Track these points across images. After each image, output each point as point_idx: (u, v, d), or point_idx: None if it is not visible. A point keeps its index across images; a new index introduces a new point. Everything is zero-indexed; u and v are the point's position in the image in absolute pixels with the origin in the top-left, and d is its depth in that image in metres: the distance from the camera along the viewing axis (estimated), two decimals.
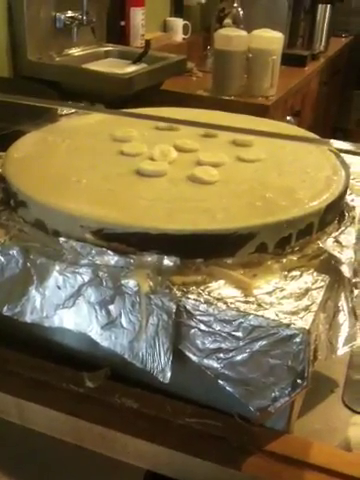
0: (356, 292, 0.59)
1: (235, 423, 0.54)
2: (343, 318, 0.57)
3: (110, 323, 0.53)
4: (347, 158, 0.80)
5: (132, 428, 0.54)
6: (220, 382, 0.51)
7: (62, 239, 0.55)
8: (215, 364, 0.51)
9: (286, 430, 0.55)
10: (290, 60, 2.14)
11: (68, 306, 0.55)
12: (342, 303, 0.57)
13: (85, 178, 0.62)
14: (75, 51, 1.75)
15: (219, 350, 0.50)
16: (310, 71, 2.33)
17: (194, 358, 0.51)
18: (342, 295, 0.57)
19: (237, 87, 1.90)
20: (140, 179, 0.63)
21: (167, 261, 0.52)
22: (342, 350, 0.57)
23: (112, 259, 0.53)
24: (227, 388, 0.51)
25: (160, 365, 0.52)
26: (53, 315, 0.55)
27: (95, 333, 0.54)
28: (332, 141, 0.50)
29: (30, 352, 0.61)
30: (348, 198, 0.69)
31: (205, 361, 0.51)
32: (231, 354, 0.50)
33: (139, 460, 0.55)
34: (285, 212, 0.57)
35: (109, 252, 0.53)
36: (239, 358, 0.50)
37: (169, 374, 0.51)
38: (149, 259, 0.53)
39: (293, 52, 2.27)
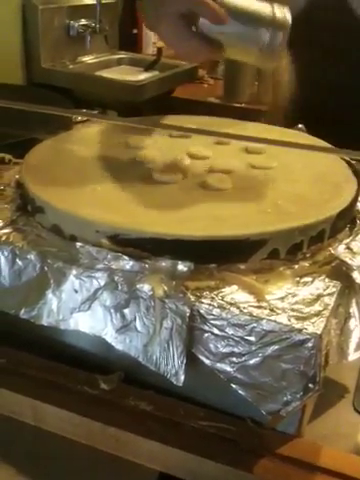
0: None
1: (247, 427, 0.55)
2: (354, 324, 0.58)
3: (125, 326, 0.55)
4: (358, 164, 0.81)
5: (145, 430, 0.54)
6: (233, 386, 0.52)
7: (78, 244, 0.56)
8: (228, 368, 0.52)
9: (297, 434, 0.55)
10: None
11: (84, 310, 0.56)
12: (353, 309, 0.58)
13: (100, 185, 0.63)
14: (88, 58, 1.77)
15: (232, 354, 0.51)
16: None
17: (207, 362, 0.52)
18: (353, 301, 0.58)
19: (248, 94, 1.91)
20: (153, 186, 0.64)
21: (181, 266, 0.53)
22: (353, 356, 0.58)
23: (127, 264, 0.54)
24: (239, 392, 0.52)
25: (174, 368, 0.53)
26: (69, 318, 0.57)
27: (110, 336, 0.55)
28: (344, 150, 0.51)
29: (44, 354, 0.62)
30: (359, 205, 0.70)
31: (218, 365, 0.52)
32: (244, 358, 0.51)
33: (152, 462, 0.56)
34: (297, 219, 0.58)
35: (124, 257, 0.54)
36: (251, 362, 0.51)
37: (183, 377, 0.52)
38: (163, 264, 0.54)
39: None
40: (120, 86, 1.59)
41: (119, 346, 0.55)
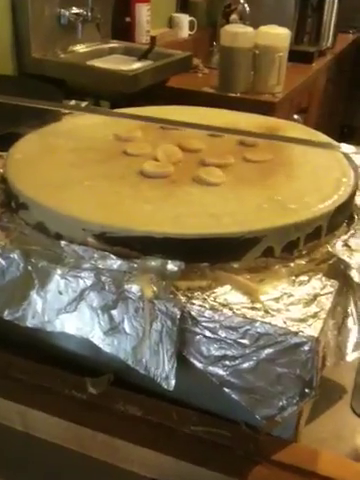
0: None
1: (241, 431, 0.52)
2: (352, 323, 0.56)
3: (113, 328, 0.52)
4: (356, 158, 0.78)
5: (136, 436, 0.52)
6: (225, 390, 0.50)
7: (64, 243, 0.54)
8: (221, 371, 0.49)
9: (293, 439, 0.53)
10: (297, 57, 2.12)
11: (70, 311, 0.53)
12: (351, 308, 0.56)
13: (88, 179, 0.61)
14: (80, 48, 1.73)
15: (225, 357, 0.49)
16: (317, 68, 2.30)
17: (199, 365, 0.50)
18: (351, 300, 0.56)
19: (243, 84, 1.88)
20: (144, 180, 0.61)
21: (171, 266, 0.51)
22: (351, 356, 0.56)
23: (115, 263, 0.52)
24: (233, 396, 0.49)
25: (164, 372, 0.50)
26: (55, 320, 0.54)
27: (97, 338, 0.53)
28: (341, 145, 0.48)
29: (33, 356, 0.60)
30: (357, 199, 0.67)
31: (210, 368, 0.50)
32: (237, 362, 0.48)
33: (143, 468, 0.54)
34: (293, 215, 0.55)
35: (112, 256, 0.52)
36: (245, 366, 0.48)
37: (173, 382, 0.50)
38: (153, 263, 0.51)
39: (300, 49, 2.24)
40: (112, 76, 1.55)
41: (107, 348, 0.53)
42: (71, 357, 0.59)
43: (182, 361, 0.51)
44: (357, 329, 0.56)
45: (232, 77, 1.88)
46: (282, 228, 0.54)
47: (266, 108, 1.83)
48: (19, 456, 0.59)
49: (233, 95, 1.87)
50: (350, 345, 0.55)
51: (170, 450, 0.51)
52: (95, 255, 0.52)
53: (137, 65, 1.67)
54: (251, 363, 0.48)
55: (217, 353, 0.49)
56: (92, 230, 0.53)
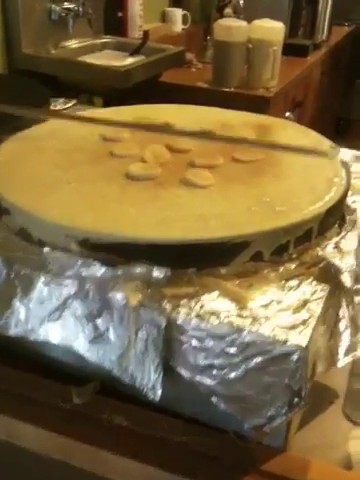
0: (357, 299, 0.57)
1: (230, 441, 0.51)
2: (344, 327, 0.55)
3: (97, 337, 0.51)
4: (347, 156, 0.77)
5: (122, 447, 0.51)
6: (213, 399, 0.48)
7: (46, 249, 0.52)
8: (208, 381, 0.48)
9: (283, 447, 0.52)
10: (291, 50, 2.10)
11: (54, 319, 0.52)
12: (343, 311, 0.55)
13: (72, 183, 0.59)
14: (71, 43, 1.71)
15: (212, 366, 0.48)
16: (312, 61, 2.28)
17: (186, 374, 0.49)
18: (343, 303, 0.54)
19: (237, 79, 1.86)
20: (130, 183, 0.60)
21: (157, 273, 0.49)
22: (343, 361, 0.55)
23: (99, 270, 0.50)
24: (221, 407, 0.48)
25: (150, 382, 0.49)
26: (38, 328, 0.53)
27: (82, 347, 0.52)
28: (329, 147, 0.46)
29: (18, 364, 0.58)
30: (349, 200, 0.66)
31: (197, 378, 0.48)
32: (225, 371, 0.47)
33: None
34: (282, 218, 0.54)
35: (95, 263, 0.50)
36: (233, 375, 0.47)
37: (160, 392, 0.49)
38: (138, 270, 0.50)
39: (295, 42, 2.22)
40: (104, 72, 1.53)
41: (92, 358, 0.52)
42: (57, 365, 0.57)
43: (169, 370, 0.49)
44: (349, 333, 0.55)
45: (226, 72, 1.86)
46: (271, 232, 0.52)
47: (260, 103, 1.82)
48: (3, 465, 0.58)
49: (227, 90, 1.85)
50: (342, 350, 0.54)
51: (156, 462, 0.50)
52: (78, 262, 0.51)
53: (129, 60, 1.65)
54: (239, 372, 0.47)
55: (204, 362, 0.48)
56: (75, 236, 0.51)
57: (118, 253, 0.51)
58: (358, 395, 0.62)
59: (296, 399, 0.46)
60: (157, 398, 0.49)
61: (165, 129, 0.49)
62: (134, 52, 1.71)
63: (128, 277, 0.50)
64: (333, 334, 0.54)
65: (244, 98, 1.82)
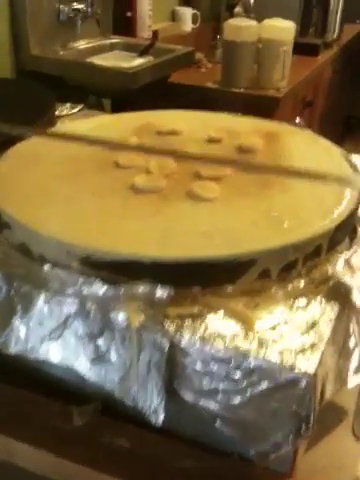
0: None
1: (234, 465, 0.49)
2: (353, 345, 0.53)
3: (99, 357, 0.49)
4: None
5: (123, 471, 0.49)
6: (217, 424, 0.47)
7: (47, 267, 0.51)
8: (212, 405, 0.46)
9: (290, 473, 0.50)
10: (302, 49, 2.07)
11: (54, 338, 0.50)
12: (353, 329, 0.53)
13: (75, 195, 0.58)
14: (80, 44, 1.69)
15: (216, 391, 0.46)
16: (323, 60, 2.25)
17: (189, 398, 0.47)
18: (353, 321, 0.52)
19: (247, 79, 1.84)
20: (134, 196, 0.58)
21: (160, 292, 0.48)
22: (353, 381, 0.53)
23: (100, 289, 0.49)
24: (225, 431, 0.46)
25: (152, 406, 0.48)
26: (39, 347, 0.51)
27: (83, 367, 0.50)
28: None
29: (18, 382, 0.57)
30: None
31: (201, 402, 0.47)
32: (229, 396, 0.45)
33: None
34: (290, 234, 0.52)
35: (97, 281, 0.49)
36: (238, 400, 0.45)
37: (162, 416, 0.47)
38: (140, 289, 0.48)
39: (305, 41, 2.19)
40: (112, 74, 1.51)
41: (93, 378, 0.50)
42: (58, 383, 0.56)
43: (172, 392, 0.48)
44: (359, 351, 0.53)
45: (235, 72, 1.84)
46: (279, 249, 0.50)
47: (270, 103, 1.79)
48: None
49: (237, 90, 1.83)
50: (352, 369, 0.53)
51: None
52: (79, 280, 0.49)
53: (138, 62, 1.63)
54: (244, 398, 0.45)
55: (208, 386, 0.46)
56: (76, 253, 0.50)
57: (120, 271, 0.49)
58: None
59: (304, 427, 0.44)
60: (159, 422, 0.47)
61: (168, 152, 0.47)
62: (143, 53, 1.69)
63: (130, 296, 0.48)
64: (342, 353, 0.52)
65: (254, 99, 1.79)
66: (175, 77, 1.84)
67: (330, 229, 0.54)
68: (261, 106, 1.75)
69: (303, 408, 0.44)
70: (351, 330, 0.52)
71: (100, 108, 1.67)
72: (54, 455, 0.51)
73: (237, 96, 1.81)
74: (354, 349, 0.53)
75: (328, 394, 0.49)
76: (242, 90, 1.82)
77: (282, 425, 0.45)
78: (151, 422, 0.48)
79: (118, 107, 1.73)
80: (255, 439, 0.46)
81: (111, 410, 0.54)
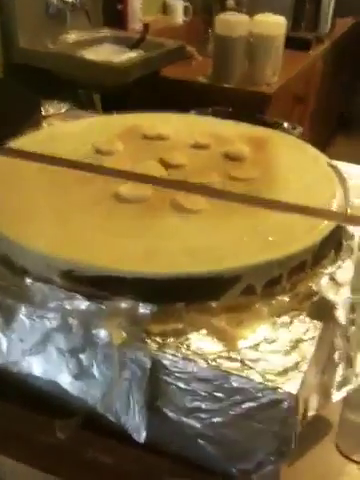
0: (352, 329, 0.55)
1: None
2: (337, 360, 0.53)
3: (82, 373, 0.49)
4: (348, 168, 0.74)
5: None
6: (200, 441, 0.47)
7: (28, 280, 0.50)
8: (195, 423, 0.46)
9: None
10: (294, 44, 2.05)
11: (36, 352, 0.50)
12: (337, 345, 0.53)
13: (58, 206, 0.57)
14: (70, 37, 1.67)
15: (199, 410, 0.46)
16: (314, 55, 2.24)
17: (172, 416, 0.47)
18: (337, 337, 0.52)
19: (238, 74, 1.82)
20: (119, 206, 0.57)
21: (143, 309, 0.47)
22: (337, 396, 0.53)
23: (82, 304, 0.48)
24: (208, 449, 0.46)
25: (134, 423, 0.47)
26: (21, 361, 0.51)
27: (65, 382, 0.50)
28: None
29: (2, 394, 0.56)
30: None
31: (184, 419, 0.47)
32: (212, 415, 0.45)
33: None
34: (275, 250, 0.51)
35: (79, 297, 0.48)
36: (220, 420, 0.45)
37: (144, 434, 0.47)
38: (123, 305, 0.48)
39: (297, 35, 2.18)
40: (102, 68, 1.49)
41: (75, 392, 0.50)
42: (42, 396, 0.55)
43: (156, 409, 0.47)
44: (342, 366, 0.53)
45: (227, 67, 1.83)
46: (264, 265, 0.50)
47: (262, 99, 1.79)
48: None
49: (227, 86, 1.82)
50: (335, 384, 0.53)
51: None
52: (61, 295, 0.49)
53: (128, 56, 1.61)
54: (227, 417, 0.45)
55: (191, 405, 0.46)
56: (58, 267, 0.49)
57: (103, 286, 0.48)
58: (351, 426, 0.60)
59: (285, 447, 0.44)
60: (141, 440, 0.47)
61: (153, 181, 0.46)
62: (133, 46, 1.67)
63: (113, 312, 0.48)
64: (326, 368, 0.52)
65: (245, 95, 1.78)
66: (166, 71, 1.82)
67: (315, 244, 0.53)
68: (252, 102, 1.74)
69: (285, 428, 0.43)
70: (335, 345, 0.52)
71: (90, 103, 1.65)
72: (37, 470, 0.51)
73: (228, 91, 1.80)
74: (338, 364, 0.53)
75: (312, 411, 0.49)
76: (233, 85, 1.81)
77: (264, 445, 0.44)
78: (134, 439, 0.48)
79: (108, 102, 1.72)
80: (237, 458, 0.46)
81: (95, 423, 0.54)
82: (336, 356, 0.53)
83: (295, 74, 2.01)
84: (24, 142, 0.71)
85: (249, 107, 1.75)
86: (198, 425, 0.46)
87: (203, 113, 0.97)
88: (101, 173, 0.44)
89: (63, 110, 0.95)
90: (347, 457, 0.57)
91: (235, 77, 1.82)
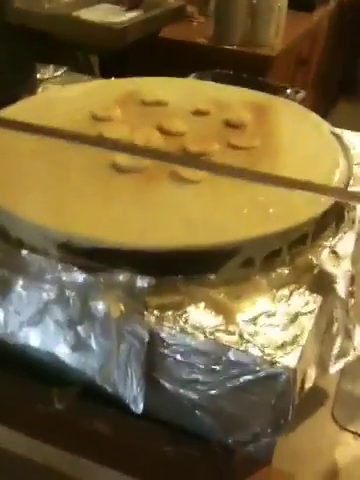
0: (351, 302, 0.54)
1: (214, 452, 0.50)
2: (335, 333, 0.53)
3: (79, 344, 0.49)
4: (351, 136, 0.73)
5: (104, 456, 0.50)
6: (197, 412, 0.47)
7: (24, 252, 0.49)
8: (192, 395, 0.46)
9: (269, 460, 0.50)
10: (298, 4, 2.00)
11: (34, 324, 0.50)
12: (335, 317, 0.52)
13: (55, 175, 0.56)
14: None
15: (196, 381, 0.46)
16: (319, 16, 2.18)
17: (169, 387, 0.47)
18: (336, 309, 0.52)
19: (240, 35, 1.78)
20: (116, 175, 0.56)
21: (141, 282, 0.47)
22: (334, 367, 0.53)
23: (79, 277, 0.48)
24: (204, 420, 0.47)
25: (132, 394, 0.47)
26: (18, 332, 0.51)
27: (63, 353, 0.50)
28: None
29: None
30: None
31: (181, 391, 0.47)
32: (209, 387, 0.45)
33: None
34: (275, 222, 0.50)
35: (76, 269, 0.48)
36: (218, 392, 0.45)
37: (141, 405, 0.47)
38: (121, 278, 0.47)
39: None
40: (100, 29, 1.45)
41: (74, 364, 0.50)
42: (40, 366, 0.55)
43: (153, 381, 0.47)
44: (340, 338, 0.53)
45: (228, 27, 1.78)
46: (263, 238, 0.49)
47: (264, 62, 1.75)
48: None
49: (229, 47, 1.78)
50: (333, 355, 0.53)
51: (138, 473, 0.49)
52: (58, 267, 0.48)
53: (126, 16, 1.56)
54: (224, 389, 0.45)
55: (188, 377, 0.46)
56: (54, 239, 0.48)
57: (100, 259, 0.48)
58: (348, 397, 0.60)
59: (282, 420, 0.44)
60: (139, 411, 0.47)
61: (149, 153, 0.45)
62: (131, 6, 1.62)
63: (110, 285, 0.47)
64: (325, 340, 0.52)
65: (247, 57, 1.75)
66: (166, 32, 1.78)
67: (316, 216, 0.52)
68: (254, 64, 1.70)
69: (282, 402, 0.43)
70: (334, 316, 0.52)
71: (88, 66, 1.61)
72: (35, 439, 0.51)
73: (229, 54, 1.76)
74: (337, 335, 0.53)
75: (309, 383, 0.49)
76: (235, 47, 1.77)
77: (261, 417, 0.45)
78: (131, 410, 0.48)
79: (106, 64, 1.68)
80: (234, 429, 0.46)
81: (93, 392, 0.54)
82: (335, 328, 0.53)
83: (298, 36, 1.97)
84: (19, 108, 0.70)
85: (251, 70, 1.71)
86: (195, 396, 0.46)
87: (204, 76, 0.95)
88: (97, 145, 0.42)
89: (59, 72, 0.92)
90: (343, 427, 0.57)
91: (237, 38, 1.78)
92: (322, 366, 0.52)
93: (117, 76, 0.93)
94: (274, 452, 0.52)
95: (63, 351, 0.50)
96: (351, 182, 0.62)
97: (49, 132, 0.39)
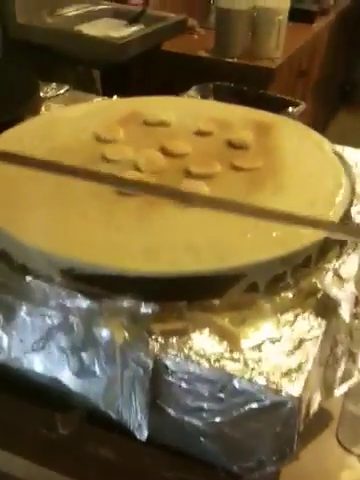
0: (356, 323, 0.54)
1: (220, 479, 0.49)
2: (340, 356, 0.53)
3: (83, 370, 0.49)
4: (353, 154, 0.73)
5: None
6: (201, 439, 0.47)
7: (29, 278, 0.49)
8: (197, 422, 0.46)
9: None
10: (298, 16, 2.01)
11: (37, 349, 0.50)
12: (340, 340, 0.52)
13: (58, 198, 0.56)
14: (68, 11, 1.63)
15: (201, 409, 0.45)
16: (319, 28, 2.20)
17: (174, 414, 0.47)
18: (340, 333, 0.52)
19: (241, 48, 1.79)
20: (120, 199, 0.56)
21: (144, 309, 0.46)
22: (340, 391, 0.53)
23: (83, 303, 0.47)
24: (209, 447, 0.46)
25: (136, 421, 0.47)
26: (22, 357, 0.51)
27: (67, 379, 0.50)
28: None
29: (1, 388, 0.56)
30: (353, 210, 0.62)
31: (186, 418, 0.46)
32: (214, 414, 0.45)
33: None
34: (279, 247, 0.50)
35: (79, 295, 0.47)
36: (222, 419, 0.45)
37: (146, 432, 0.47)
38: (124, 304, 0.47)
39: (301, 7, 2.13)
40: (101, 44, 1.46)
41: (77, 389, 0.50)
42: (43, 390, 0.55)
43: (157, 407, 0.47)
44: (345, 361, 0.53)
45: (229, 41, 1.79)
46: (267, 262, 0.49)
47: (265, 74, 1.76)
48: None
49: (230, 60, 1.78)
50: (338, 379, 0.52)
51: None
52: (62, 293, 0.48)
53: (128, 31, 1.57)
54: (228, 417, 0.44)
55: (193, 404, 0.45)
56: (58, 265, 0.48)
57: (103, 285, 0.48)
58: (352, 419, 0.60)
59: (287, 448, 0.44)
60: (143, 438, 0.47)
61: (144, 188, 0.44)
62: (133, 21, 1.63)
63: (114, 311, 0.47)
64: (329, 364, 0.52)
65: (247, 70, 1.75)
66: (167, 45, 1.79)
67: (320, 239, 0.52)
68: (255, 77, 1.71)
69: (288, 429, 0.43)
70: (338, 340, 0.52)
71: (90, 80, 1.62)
72: (38, 465, 0.51)
73: (230, 66, 1.77)
74: (341, 358, 0.53)
75: (314, 408, 0.49)
76: (235, 60, 1.78)
77: (266, 446, 0.44)
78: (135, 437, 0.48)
79: (108, 77, 1.69)
80: (239, 456, 0.46)
81: (97, 417, 0.54)
82: (339, 351, 0.53)
83: (298, 48, 1.98)
84: (22, 129, 0.70)
85: (252, 82, 1.72)
86: (200, 423, 0.46)
87: (204, 89, 0.95)
88: (97, 181, 0.42)
89: (62, 91, 0.93)
90: (348, 449, 0.57)
91: (238, 51, 1.79)
92: (327, 389, 0.52)
93: (119, 89, 0.94)
94: (280, 477, 0.51)
95: (67, 377, 0.49)
96: (355, 201, 0.62)
97: (44, 166, 0.38)
